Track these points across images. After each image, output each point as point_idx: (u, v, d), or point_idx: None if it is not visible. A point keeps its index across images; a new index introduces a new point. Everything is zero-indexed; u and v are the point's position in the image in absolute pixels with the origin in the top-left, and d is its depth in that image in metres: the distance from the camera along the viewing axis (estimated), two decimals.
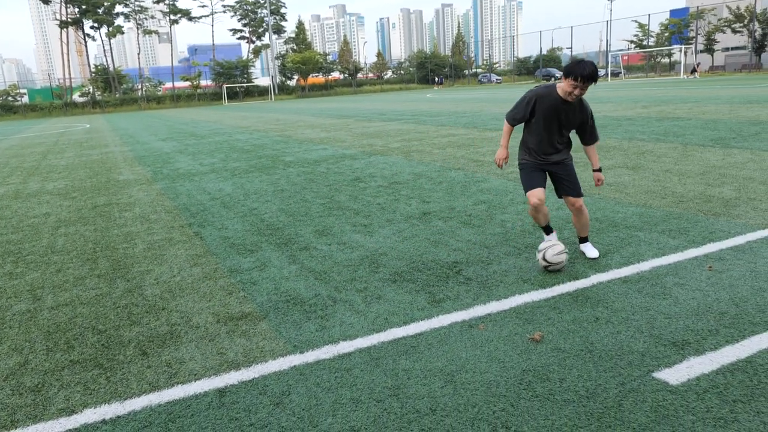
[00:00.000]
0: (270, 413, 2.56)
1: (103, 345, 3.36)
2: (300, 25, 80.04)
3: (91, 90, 66.33)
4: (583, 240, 4.40)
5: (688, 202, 5.73)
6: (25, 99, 62.92)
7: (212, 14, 74.15)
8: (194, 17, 72.32)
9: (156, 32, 71.12)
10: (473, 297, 3.69)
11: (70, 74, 69.97)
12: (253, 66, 75.21)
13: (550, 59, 79.71)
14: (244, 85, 69.72)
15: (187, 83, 69.25)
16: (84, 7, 65.12)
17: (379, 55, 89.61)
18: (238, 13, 76.24)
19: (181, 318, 3.67)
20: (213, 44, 77.42)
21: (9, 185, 10.24)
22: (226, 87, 66.60)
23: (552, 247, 3.98)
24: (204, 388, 2.81)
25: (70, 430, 2.53)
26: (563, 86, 3.84)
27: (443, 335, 3.19)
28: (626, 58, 72.46)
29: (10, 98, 60.28)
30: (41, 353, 3.30)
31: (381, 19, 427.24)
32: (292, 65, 70.70)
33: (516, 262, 4.32)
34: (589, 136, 4.15)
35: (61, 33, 68.87)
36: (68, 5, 65.66)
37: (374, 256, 4.68)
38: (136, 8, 68.84)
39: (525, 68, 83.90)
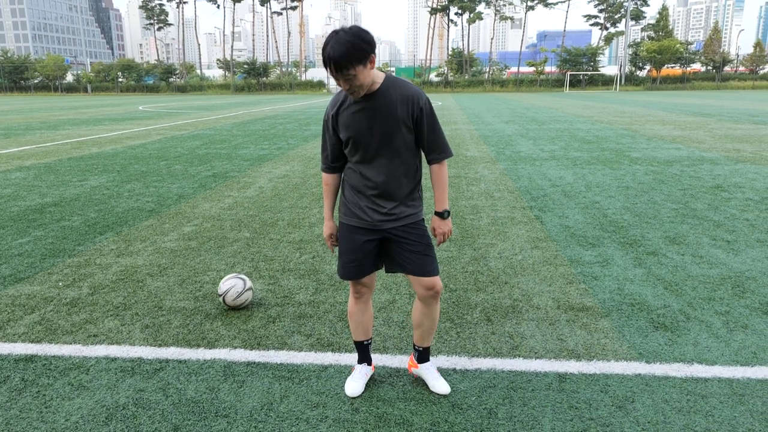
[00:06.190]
0: (611, 414, 2.48)
1: (453, 302, 3.73)
2: (663, 11, 73.11)
3: (445, 71, 73.08)
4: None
5: None
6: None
7: (569, 0, 73.28)
8: (550, 3, 72.59)
9: (511, 18, 73.97)
10: None
11: (430, 56, 78.42)
12: (602, 54, 72.13)
13: None
14: (589, 73, 67.54)
15: (532, 69, 70.45)
16: None
17: (757, 45, 76.08)
18: None
19: (522, 295, 3.82)
20: (564, 30, 76.76)
21: None
22: (570, 74, 65.58)
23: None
24: (544, 368, 2.88)
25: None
26: None
27: None
28: None
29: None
30: (405, 296, 3.84)
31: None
32: (647, 54, 65.35)
33: None
34: None
35: (429, 19, 77.35)
36: None
37: (740, 279, 4.07)
38: None
39: None
